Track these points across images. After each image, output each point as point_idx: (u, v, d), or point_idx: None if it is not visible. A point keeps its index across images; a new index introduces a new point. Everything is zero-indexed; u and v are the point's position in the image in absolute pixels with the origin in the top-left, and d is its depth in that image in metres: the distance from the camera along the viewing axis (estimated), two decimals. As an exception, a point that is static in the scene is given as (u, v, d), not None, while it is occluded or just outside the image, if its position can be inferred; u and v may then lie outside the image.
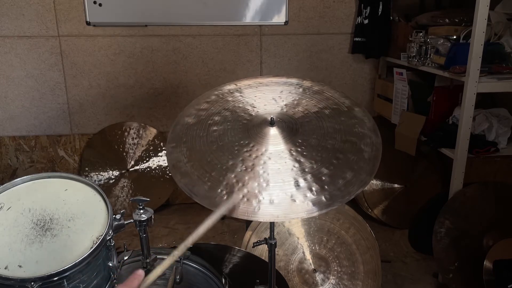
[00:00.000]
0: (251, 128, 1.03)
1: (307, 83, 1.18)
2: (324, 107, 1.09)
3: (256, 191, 0.90)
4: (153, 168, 2.70)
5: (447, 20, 2.07)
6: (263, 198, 0.89)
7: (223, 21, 2.59)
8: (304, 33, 2.67)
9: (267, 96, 1.14)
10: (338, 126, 1.03)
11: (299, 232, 1.76)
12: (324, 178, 0.91)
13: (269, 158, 0.95)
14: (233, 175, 0.93)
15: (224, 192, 0.91)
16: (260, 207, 0.88)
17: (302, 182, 0.91)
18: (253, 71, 2.71)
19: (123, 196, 2.66)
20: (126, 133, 2.69)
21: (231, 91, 1.17)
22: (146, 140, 2.71)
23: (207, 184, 0.93)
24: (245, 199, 0.89)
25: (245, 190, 0.90)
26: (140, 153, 2.69)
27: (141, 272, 0.66)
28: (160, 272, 0.68)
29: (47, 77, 2.60)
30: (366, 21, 2.58)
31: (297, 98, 1.12)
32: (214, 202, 0.90)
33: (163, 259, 1.17)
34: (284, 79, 1.20)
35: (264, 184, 0.91)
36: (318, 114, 1.06)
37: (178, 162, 0.99)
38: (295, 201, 0.88)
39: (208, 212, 0.86)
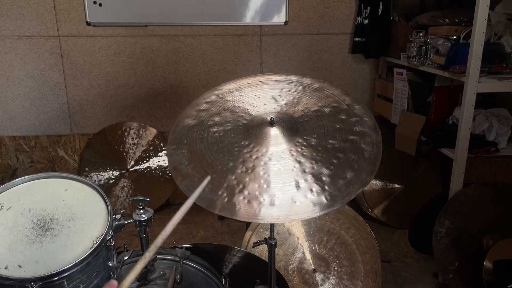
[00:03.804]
0: (251, 129, 1.03)
1: (307, 80, 1.17)
2: (324, 106, 1.08)
3: (257, 193, 0.89)
4: (153, 168, 2.69)
5: (447, 20, 2.07)
6: (264, 199, 0.89)
7: (223, 21, 2.58)
8: (304, 33, 2.67)
9: (266, 95, 1.14)
10: (338, 125, 1.03)
11: (299, 232, 1.76)
12: (324, 179, 0.91)
13: (270, 159, 0.95)
14: (233, 177, 0.93)
15: (225, 194, 0.90)
16: (261, 209, 0.87)
17: (302, 183, 0.90)
18: (253, 71, 2.71)
19: (123, 196, 2.66)
20: (126, 133, 2.69)
21: (231, 90, 1.17)
22: (146, 140, 2.70)
23: (208, 186, 0.92)
24: (246, 201, 0.89)
25: (246, 192, 0.90)
26: (140, 153, 2.69)
27: (114, 282, 0.65)
28: (133, 277, 0.65)
29: (47, 77, 2.60)
30: (366, 21, 2.58)
31: (297, 96, 1.12)
32: (214, 204, 0.89)
33: (163, 259, 1.18)
34: (283, 77, 1.20)
35: (265, 186, 0.90)
36: (318, 112, 1.06)
37: (179, 164, 0.99)
38: (295, 202, 0.88)
39: (207, 212, 0.86)
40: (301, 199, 0.88)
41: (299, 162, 0.94)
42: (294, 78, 1.19)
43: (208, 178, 0.88)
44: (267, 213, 0.87)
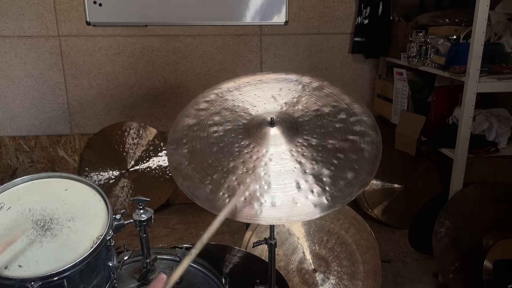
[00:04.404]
0: (251, 129, 1.03)
1: (306, 79, 1.17)
2: (324, 105, 1.08)
3: (258, 194, 0.89)
4: (153, 168, 2.69)
5: (447, 20, 2.07)
6: (265, 200, 0.88)
7: (223, 21, 2.58)
8: (304, 33, 2.67)
9: (266, 94, 1.13)
10: (338, 124, 1.03)
11: (299, 232, 1.76)
12: (325, 179, 0.91)
13: (270, 160, 0.95)
14: (234, 177, 0.92)
15: (226, 195, 0.90)
16: (262, 210, 0.87)
17: (303, 184, 0.90)
18: (253, 71, 2.71)
19: (123, 196, 2.66)
20: (126, 133, 2.69)
21: (230, 89, 1.17)
22: (146, 140, 2.70)
23: (208, 187, 0.92)
24: (247, 202, 0.89)
25: (247, 193, 0.90)
26: (140, 153, 2.69)
27: (163, 276, 0.68)
28: (181, 272, 0.71)
29: (47, 77, 2.60)
30: (366, 21, 2.57)
31: (297, 95, 1.12)
32: (215, 205, 0.89)
33: (163, 259, 1.18)
34: (283, 76, 1.20)
35: (266, 187, 0.90)
36: (318, 112, 1.06)
37: (179, 164, 0.99)
38: (296, 203, 0.88)
39: (207, 212, 0.86)
40: (302, 200, 0.88)
41: (300, 162, 0.94)
42: (293, 77, 1.18)
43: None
44: (268, 214, 0.87)
